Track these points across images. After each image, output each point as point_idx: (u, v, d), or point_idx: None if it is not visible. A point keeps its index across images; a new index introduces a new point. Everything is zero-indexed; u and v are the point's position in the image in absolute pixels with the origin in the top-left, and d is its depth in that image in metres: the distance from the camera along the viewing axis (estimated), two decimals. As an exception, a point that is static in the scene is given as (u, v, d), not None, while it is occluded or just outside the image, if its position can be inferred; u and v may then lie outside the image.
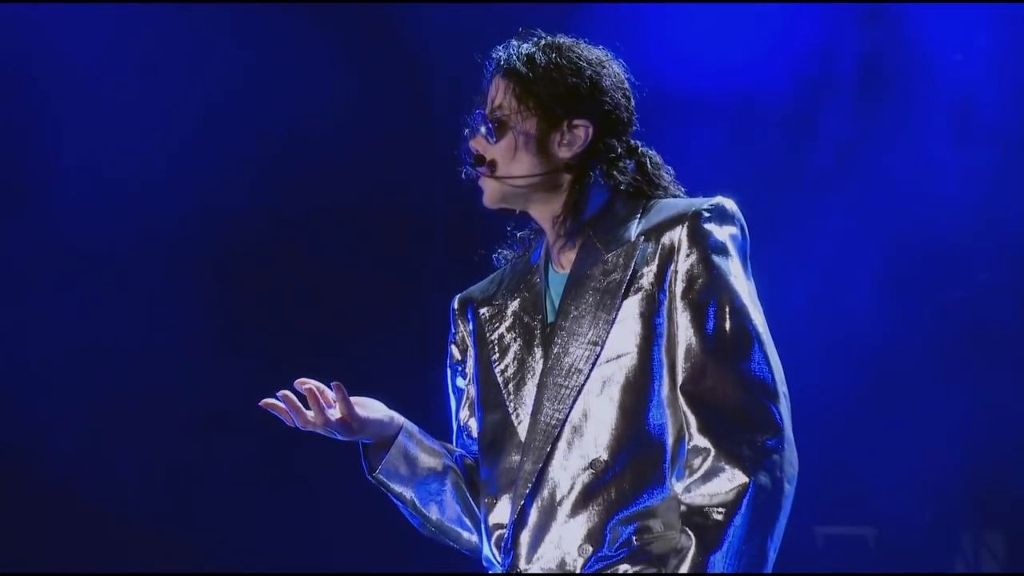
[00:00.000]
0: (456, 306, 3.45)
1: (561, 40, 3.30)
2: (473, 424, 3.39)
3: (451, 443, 3.47)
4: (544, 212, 3.29)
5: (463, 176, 3.33)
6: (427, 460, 3.35)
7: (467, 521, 3.39)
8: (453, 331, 3.46)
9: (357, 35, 7.39)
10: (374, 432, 3.31)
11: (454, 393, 3.48)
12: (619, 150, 3.27)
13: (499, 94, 3.27)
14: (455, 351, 3.46)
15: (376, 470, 3.32)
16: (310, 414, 3.25)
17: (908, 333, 7.19)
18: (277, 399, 3.25)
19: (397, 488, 3.34)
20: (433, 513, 3.38)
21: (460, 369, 3.45)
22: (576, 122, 3.24)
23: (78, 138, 6.90)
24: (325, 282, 7.34)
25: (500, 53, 3.30)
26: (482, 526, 3.28)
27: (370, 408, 3.30)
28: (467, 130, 3.32)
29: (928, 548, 7.28)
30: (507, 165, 3.25)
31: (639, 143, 3.32)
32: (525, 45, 3.29)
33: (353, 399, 3.27)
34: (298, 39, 7.28)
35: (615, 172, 3.26)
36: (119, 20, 6.92)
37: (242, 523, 7.17)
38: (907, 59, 7.19)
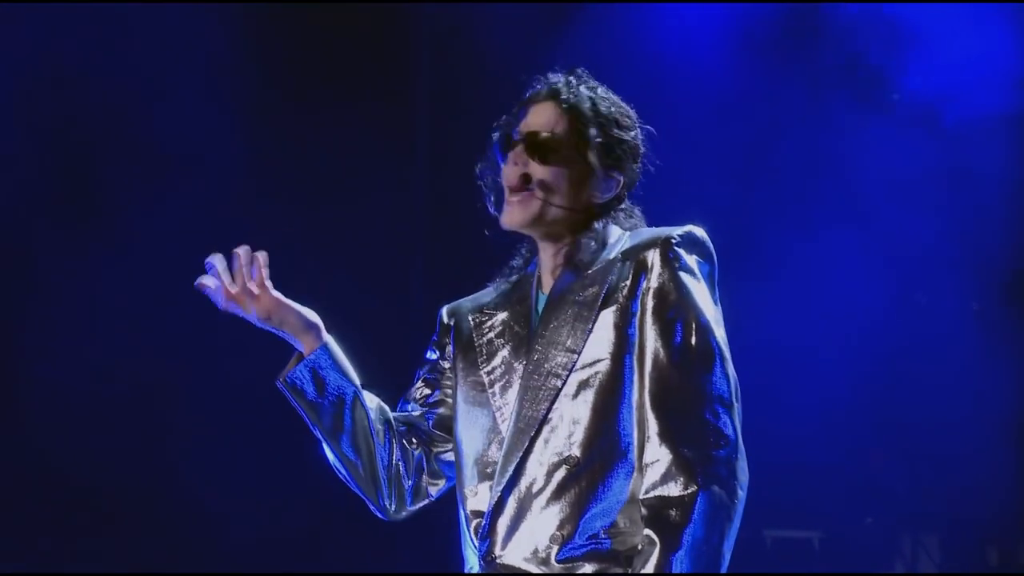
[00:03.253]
0: (443, 313, 3.67)
1: (610, 92, 3.53)
2: (423, 398, 3.63)
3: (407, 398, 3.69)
4: (551, 240, 3.50)
5: (480, 178, 3.54)
6: (338, 385, 3.52)
7: (366, 461, 3.57)
8: (436, 333, 3.68)
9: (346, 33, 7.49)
10: (293, 327, 3.48)
11: (419, 368, 3.70)
12: (624, 205, 3.54)
13: (558, 123, 3.48)
14: (433, 349, 3.68)
15: (282, 377, 3.50)
16: (233, 289, 3.44)
17: (849, 342, 7.44)
18: (209, 271, 3.44)
19: (301, 402, 3.51)
20: (338, 441, 3.54)
21: (433, 360, 3.67)
22: (613, 173, 3.50)
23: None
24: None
25: (559, 84, 3.51)
26: (461, 512, 3.49)
27: (295, 304, 3.49)
28: (502, 137, 3.51)
29: (869, 550, 7.49)
30: (553, 190, 3.46)
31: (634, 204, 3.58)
32: (583, 86, 3.50)
33: (283, 297, 3.47)
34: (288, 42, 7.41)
35: (619, 220, 3.52)
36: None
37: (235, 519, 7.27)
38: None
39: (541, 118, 3.49)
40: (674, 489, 3.23)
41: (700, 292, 3.36)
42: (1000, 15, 7.30)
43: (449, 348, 3.63)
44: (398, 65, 7.75)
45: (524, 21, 7.59)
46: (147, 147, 7.18)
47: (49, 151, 7.10)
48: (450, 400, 3.61)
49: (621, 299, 3.38)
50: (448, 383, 3.64)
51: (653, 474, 3.26)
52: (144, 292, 7.18)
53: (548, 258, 3.53)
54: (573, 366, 3.37)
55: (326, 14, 7.50)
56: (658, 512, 3.23)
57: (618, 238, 3.48)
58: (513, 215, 3.48)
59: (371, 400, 3.59)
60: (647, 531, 3.23)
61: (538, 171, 3.46)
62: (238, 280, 3.45)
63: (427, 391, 3.67)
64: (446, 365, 3.64)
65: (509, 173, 3.49)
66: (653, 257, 3.37)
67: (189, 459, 7.17)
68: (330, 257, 7.34)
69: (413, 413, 3.66)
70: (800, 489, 7.40)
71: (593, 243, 3.46)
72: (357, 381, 3.56)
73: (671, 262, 3.36)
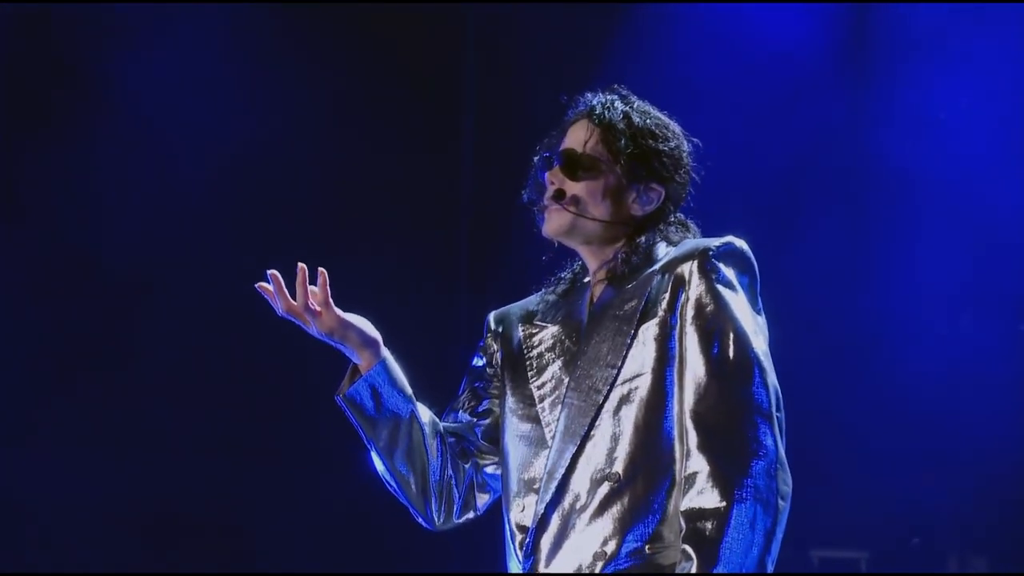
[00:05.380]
0: (491, 320, 3.70)
1: (650, 106, 3.57)
2: (471, 408, 3.66)
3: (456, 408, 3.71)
4: (595, 253, 3.54)
5: (525, 199, 3.58)
6: (395, 401, 3.57)
7: (418, 476, 3.61)
8: (483, 339, 3.70)
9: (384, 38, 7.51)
10: (353, 342, 3.54)
11: (466, 375, 3.72)
12: (673, 219, 3.55)
13: (591, 139, 3.52)
14: (480, 355, 3.70)
15: (342, 392, 3.56)
16: (293, 303, 3.49)
17: (900, 360, 7.42)
18: (267, 282, 3.51)
19: (359, 418, 3.57)
20: (391, 456, 3.59)
21: (480, 367, 3.69)
22: (653, 185, 3.52)
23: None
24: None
25: (594, 102, 3.56)
26: (506, 527, 3.50)
27: (355, 319, 3.54)
28: (541, 159, 3.57)
29: (916, 570, 7.40)
30: (586, 204, 3.50)
31: (685, 217, 3.59)
32: (619, 102, 3.55)
33: (344, 312, 3.52)
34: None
35: (668, 235, 3.53)
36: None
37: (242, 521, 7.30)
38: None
39: (576, 136, 3.55)
40: (710, 501, 3.22)
41: (738, 303, 3.37)
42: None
43: (497, 356, 3.64)
44: (445, 69, 7.76)
45: (573, 24, 7.59)
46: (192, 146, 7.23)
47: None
48: (497, 410, 3.63)
49: (660, 312, 3.39)
50: (495, 392, 3.65)
51: (691, 487, 3.25)
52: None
53: (594, 273, 3.56)
54: (614, 381, 3.38)
55: (372, 16, 7.51)
56: (694, 525, 3.22)
57: (665, 252, 3.49)
58: (548, 224, 3.53)
59: (425, 414, 3.63)
60: (684, 545, 3.23)
61: (571, 187, 3.51)
62: (299, 298, 3.50)
63: (475, 401, 3.69)
64: (492, 372, 3.66)
65: (546, 192, 3.54)
66: (691, 269, 3.39)
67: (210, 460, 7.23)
68: (374, 266, 7.33)
69: (462, 423, 3.68)
70: (847, 509, 7.37)
71: (636, 257, 3.48)
72: (413, 397, 3.60)
73: (708, 273, 3.38)
